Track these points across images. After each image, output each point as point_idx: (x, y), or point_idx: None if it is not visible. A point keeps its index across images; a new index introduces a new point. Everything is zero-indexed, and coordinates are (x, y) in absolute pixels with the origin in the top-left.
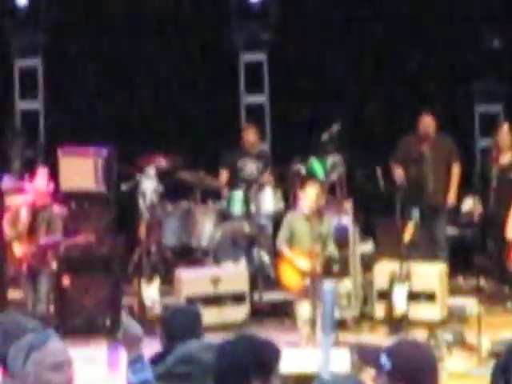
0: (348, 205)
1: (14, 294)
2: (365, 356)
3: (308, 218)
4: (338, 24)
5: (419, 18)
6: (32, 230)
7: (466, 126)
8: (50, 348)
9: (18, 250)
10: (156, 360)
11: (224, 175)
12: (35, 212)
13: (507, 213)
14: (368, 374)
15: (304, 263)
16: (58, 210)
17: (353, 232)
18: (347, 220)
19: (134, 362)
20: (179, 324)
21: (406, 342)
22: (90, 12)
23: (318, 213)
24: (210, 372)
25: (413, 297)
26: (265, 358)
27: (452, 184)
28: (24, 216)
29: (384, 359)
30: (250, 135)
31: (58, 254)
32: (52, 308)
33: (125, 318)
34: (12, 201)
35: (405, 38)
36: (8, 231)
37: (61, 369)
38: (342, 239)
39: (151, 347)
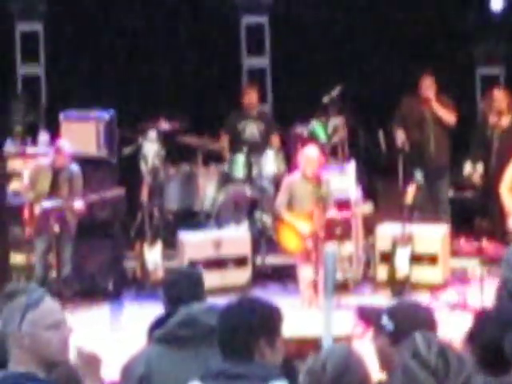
0: (350, 167)
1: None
2: (365, 316)
3: (308, 180)
4: None
5: None
6: (54, 190)
7: (467, 89)
8: (45, 307)
9: (38, 212)
10: (158, 323)
11: (225, 138)
12: (56, 172)
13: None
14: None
15: (305, 226)
16: (77, 169)
17: (354, 194)
18: (349, 182)
19: None
20: (182, 287)
21: (408, 304)
22: None
23: (318, 176)
24: (212, 334)
25: (415, 259)
26: (269, 318)
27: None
28: (44, 177)
29: (385, 320)
30: (251, 97)
31: (63, 218)
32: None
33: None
34: (26, 164)
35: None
36: (26, 194)
37: (58, 327)
38: (343, 201)
39: (154, 310)
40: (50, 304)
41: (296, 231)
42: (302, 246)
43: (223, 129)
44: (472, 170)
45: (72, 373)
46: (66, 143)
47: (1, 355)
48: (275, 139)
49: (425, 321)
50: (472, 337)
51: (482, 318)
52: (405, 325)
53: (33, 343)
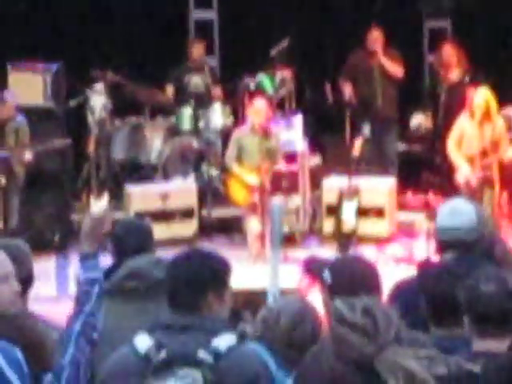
0: (297, 120)
1: None
2: (310, 269)
3: (256, 133)
4: None
5: None
6: (0, 141)
7: (415, 42)
8: None
9: None
10: (105, 275)
11: (170, 90)
12: (1, 123)
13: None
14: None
15: (253, 179)
16: (23, 120)
17: (302, 147)
18: (296, 135)
19: (86, 257)
20: (129, 239)
21: (348, 258)
22: None
23: (267, 128)
24: (159, 287)
25: (361, 212)
26: (218, 270)
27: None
28: None
29: (326, 273)
30: (197, 50)
31: (9, 169)
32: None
33: (96, 214)
34: None
35: None
36: None
37: (6, 280)
38: (290, 154)
39: (101, 262)
40: None
41: (244, 184)
42: (249, 199)
43: (168, 81)
44: (420, 122)
45: (21, 325)
46: (11, 94)
47: None
48: (217, 91)
49: (363, 275)
50: (421, 289)
51: (430, 270)
52: (342, 279)
53: None
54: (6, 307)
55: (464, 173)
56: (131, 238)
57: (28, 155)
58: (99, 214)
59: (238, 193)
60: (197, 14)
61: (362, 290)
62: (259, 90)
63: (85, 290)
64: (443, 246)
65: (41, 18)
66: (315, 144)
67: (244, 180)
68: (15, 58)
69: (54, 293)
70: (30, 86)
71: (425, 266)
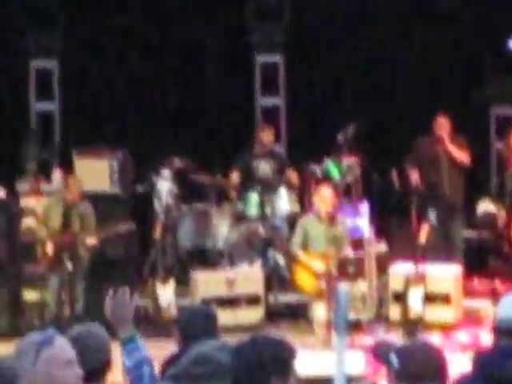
0: (363, 207)
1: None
2: (377, 353)
3: (322, 220)
4: (352, 24)
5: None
6: (66, 227)
7: (481, 129)
8: (58, 345)
9: (51, 248)
10: (172, 361)
11: (237, 176)
12: (68, 209)
13: None
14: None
15: (319, 265)
16: (88, 205)
17: (368, 234)
18: (362, 222)
19: (126, 342)
20: (195, 325)
21: (416, 344)
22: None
23: (333, 215)
24: (226, 372)
25: (428, 299)
26: (283, 356)
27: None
28: (56, 213)
29: (393, 358)
30: (266, 136)
31: (75, 254)
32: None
33: (119, 297)
34: (39, 201)
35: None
36: (39, 231)
37: (70, 365)
38: (357, 241)
39: (167, 348)
40: (62, 342)
41: (310, 270)
42: (315, 285)
43: (235, 166)
44: (487, 210)
45: None
46: (77, 180)
47: None
48: (292, 175)
49: (430, 362)
50: (481, 376)
51: (490, 358)
52: (409, 365)
53: (48, 382)
54: None
55: None
56: (197, 324)
57: (93, 240)
58: (118, 299)
59: (304, 279)
60: (263, 100)
61: (428, 376)
62: (326, 177)
63: (136, 375)
64: (502, 335)
65: (106, 107)
66: (381, 230)
67: (310, 266)
68: (81, 143)
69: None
70: (96, 172)
71: (483, 354)
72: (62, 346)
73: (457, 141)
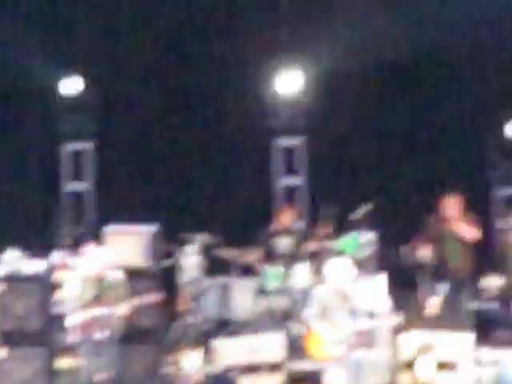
0: (381, 279)
1: (63, 362)
2: None
3: (339, 292)
4: (371, 104)
5: None
6: (98, 298)
7: (484, 208)
8: None
9: (83, 318)
10: None
11: (258, 251)
12: (100, 281)
13: None
14: None
15: (335, 335)
16: (120, 277)
17: (385, 305)
18: (379, 294)
19: None
20: None
21: None
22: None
23: (348, 289)
24: None
25: (438, 367)
26: None
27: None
28: (88, 286)
29: None
30: (287, 218)
31: (109, 323)
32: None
33: None
34: (74, 273)
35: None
36: (72, 303)
37: None
38: (373, 312)
39: None
40: None
41: (326, 340)
42: (332, 354)
43: (257, 242)
44: (492, 283)
45: None
46: (109, 254)
47: None
48: (304, 252)
49: None
50: None
51: None
52: None
53: None
54: None
55: None
56: None
57: (124, 310)
58: None
59: (320, 349)
60: (284, 181)
61: None
62: (342, 251)
63: None
64: None
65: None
66: (395, 303)
67: (325, 337)
68: (113, 220)
69: None
70: (128, 247)
71: None
72: None
73: (467, 218)
